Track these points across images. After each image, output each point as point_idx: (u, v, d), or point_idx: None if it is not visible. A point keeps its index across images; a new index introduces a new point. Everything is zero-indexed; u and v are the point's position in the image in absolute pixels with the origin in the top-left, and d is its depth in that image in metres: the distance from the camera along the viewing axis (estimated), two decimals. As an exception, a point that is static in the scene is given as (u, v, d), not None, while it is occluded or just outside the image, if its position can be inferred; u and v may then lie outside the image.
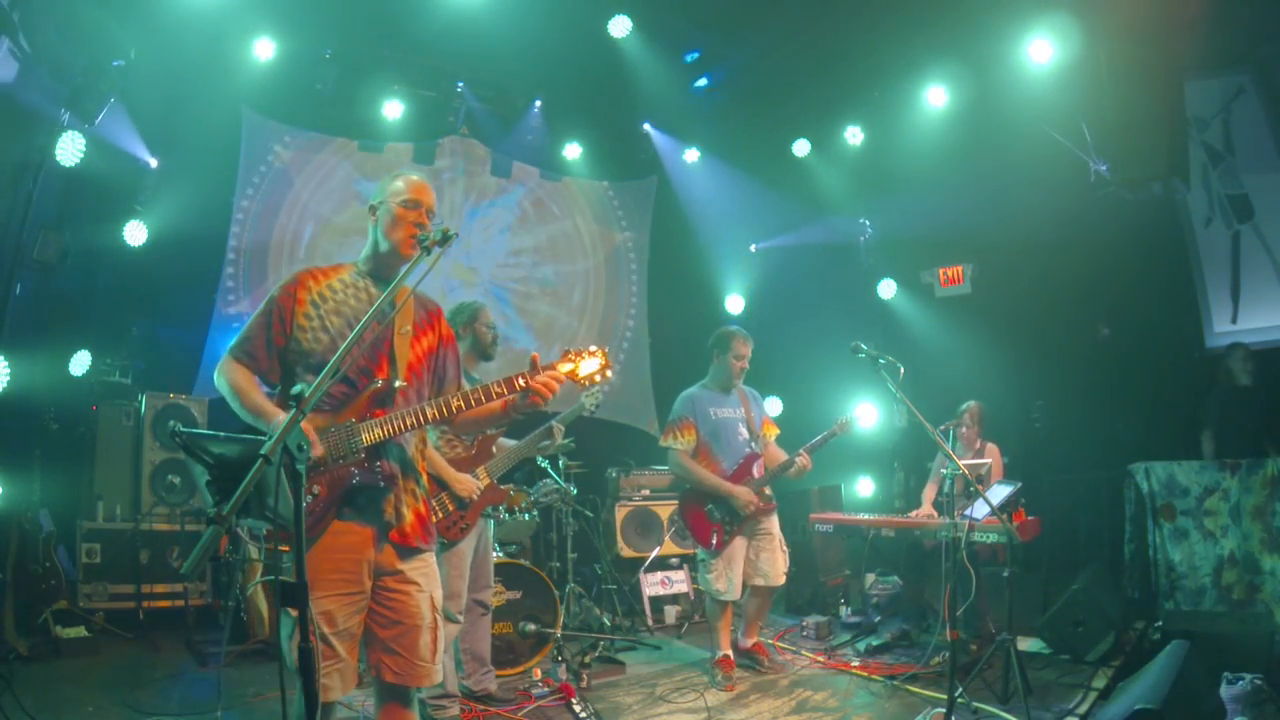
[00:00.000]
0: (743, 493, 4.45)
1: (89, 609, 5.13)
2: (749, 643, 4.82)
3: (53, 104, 5.33)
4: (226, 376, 2.34)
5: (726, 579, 4.46)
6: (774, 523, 4.65)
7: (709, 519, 4.51)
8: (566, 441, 4.66)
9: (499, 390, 2.31)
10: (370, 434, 2.25)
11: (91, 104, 5.53)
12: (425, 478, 2.47)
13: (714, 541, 4.48)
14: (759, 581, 4.57)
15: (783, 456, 4.59)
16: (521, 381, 2.30)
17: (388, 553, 2.30)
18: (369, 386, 2.30)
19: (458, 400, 2.30)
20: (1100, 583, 5.02)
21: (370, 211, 2.46)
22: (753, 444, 4.63)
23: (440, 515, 3.65)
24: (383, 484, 2.29)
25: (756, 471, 4.56)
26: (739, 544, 4.52)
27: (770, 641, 5.39)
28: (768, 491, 4.61)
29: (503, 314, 7.54)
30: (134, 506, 5.52)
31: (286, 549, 2.14)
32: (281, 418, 2.22)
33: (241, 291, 6.61)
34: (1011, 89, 6.13)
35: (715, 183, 8.18)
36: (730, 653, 4.60)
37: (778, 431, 4.82)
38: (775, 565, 4.59)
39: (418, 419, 2.28)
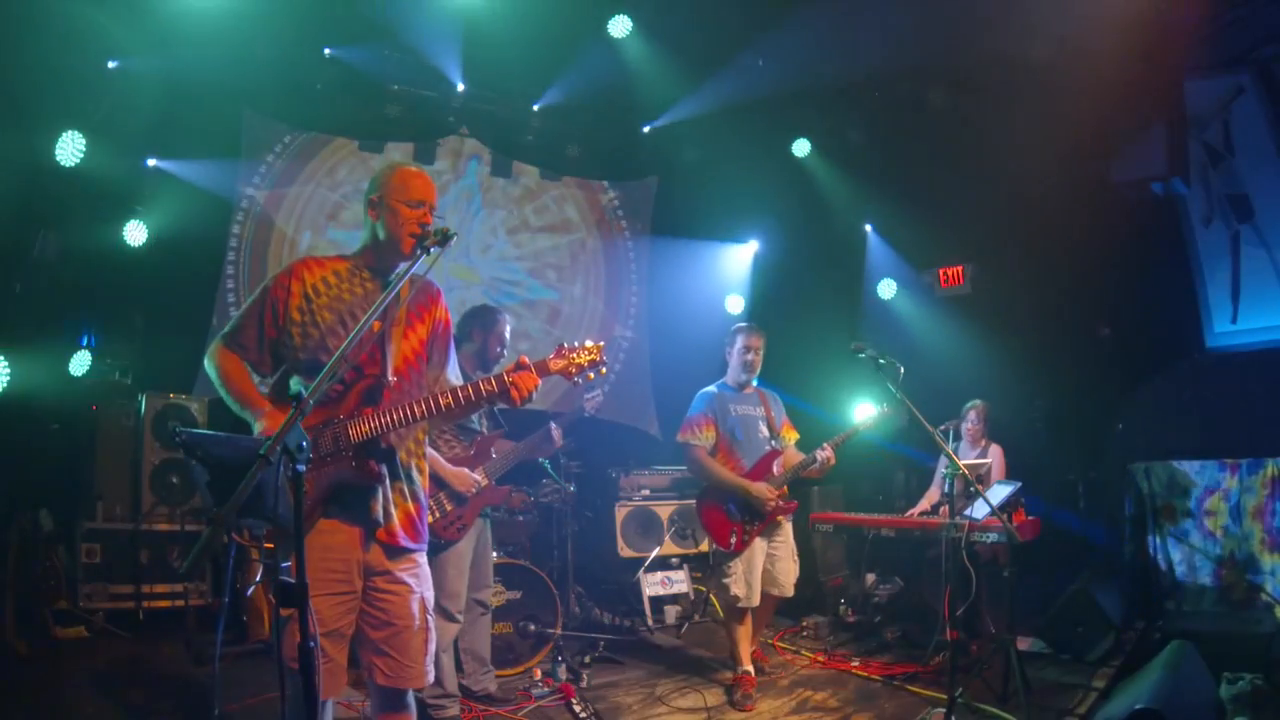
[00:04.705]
0: (760, 488, 4.26)
1: (89, 609, 5.13)
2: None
3: (53, 104, 5.33)
4: (216, 362, 2.33)
5: (745, 583, 4.25)
6: (789, 529, 4.49)
7: (728, 518, 4.33)
8: (565, 442, 4.67)
9: (488, 387, 2.29)
10: (357, 431, 2.22)
11: (91, 104, 5.53)
12: (424, 477, 2.43)
13: (733, 542, 4.28)
14: (773, 591, 4.40)
15: (801, 458, 4.41)
16: (508, 378, 2.28)
17: (376, 552, 2.28)
18: (357, 382, 2.27)
19: (446, 398, 2.26)
20: (1100, 583, 5.02)
21: (369, 206, 2.40)
22: (773, 442, 4.51)
23: (438, 514, 3.64)
24: (370, 482, 2.26)
25: (776, 469, 4.39)
26: (759, 546, 4.33)
27: (769, 641, 5.41)
28: (786, 491, 4.43)
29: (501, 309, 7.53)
30: (134, 506, 5.51)
31: (271, 545, 2.14)
32: (266, 409, 2.23)
33: (242, 292, 6.60)
34: (1011, 88, 6.12)
35: (715, 183, 8.18)
36: (751, 669, 4.34)
37: (797, 436, 4.68)
38: (788, 574, 4.43)
39: (405, 416, 2.24)
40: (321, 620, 2.17)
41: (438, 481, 3.65)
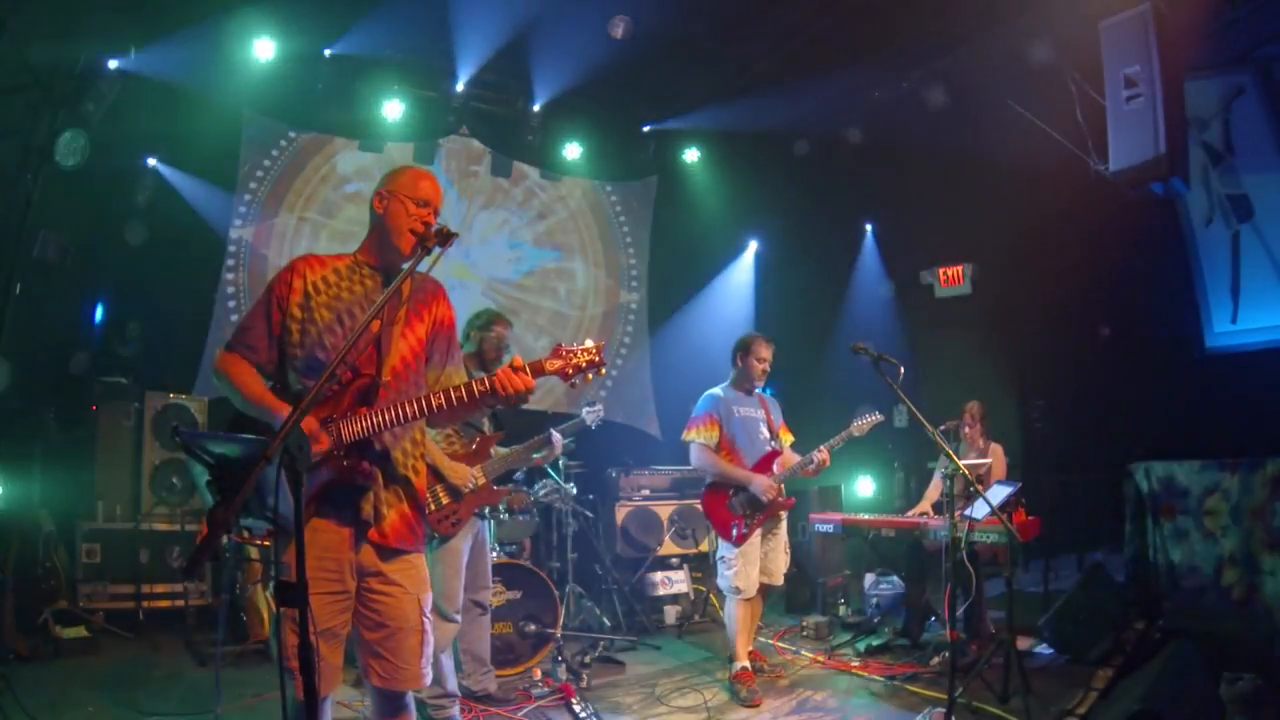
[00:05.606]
0: (762, 479, 4.42)
1: (89, 609, 5.13)
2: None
3: (53, 103, 5.33)
4: (226, 371, 2.30)
5: (746, 575, 4.40)
6: (784, 524, 4.67)
7: (731, 511, 4.47)
8: (566, 441, 4.66)
9: (481, 388, 2.24)
10: (349, 430, 2.19)
11: (91, 104, 5.53)
12: (420, 479, 2.41)
13: (734, 534, 4.42)
14: (763, 579, 4.53)
15: (798, 459, 4.57)
16: (501, 379, 2.23)
17: (368, 553, 2.26)
18: (354, 382, 2.25)
19: (438, 399, 2.22)
20: (1100, 583, 5.02)
21: (377, 199, 2.39)
22: (773, 443, 4.66)
23: (433, 507, 3.64)
24: (361, 482, 2.23)
25: (776, 468, 4.54)
26: (757, 539, 4.49)
27: (770, 641, 5.41)
28: (783, 489, 4.57)
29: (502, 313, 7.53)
30: (134, 506, 5.52)
31: (268, 543, 2.12)
32: (285, 410, 2.20)
33: (242, 292, 6.61)
34: (1011, 88, 6.12)
35: (715, 183, 8.18)
36: (749, 664, 4.44)
37: (793, 438, 4.83)
38: (779, 564, 4.59)
39: (398, 416, 2.21)
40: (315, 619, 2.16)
41: (435, 473, 3.64)
